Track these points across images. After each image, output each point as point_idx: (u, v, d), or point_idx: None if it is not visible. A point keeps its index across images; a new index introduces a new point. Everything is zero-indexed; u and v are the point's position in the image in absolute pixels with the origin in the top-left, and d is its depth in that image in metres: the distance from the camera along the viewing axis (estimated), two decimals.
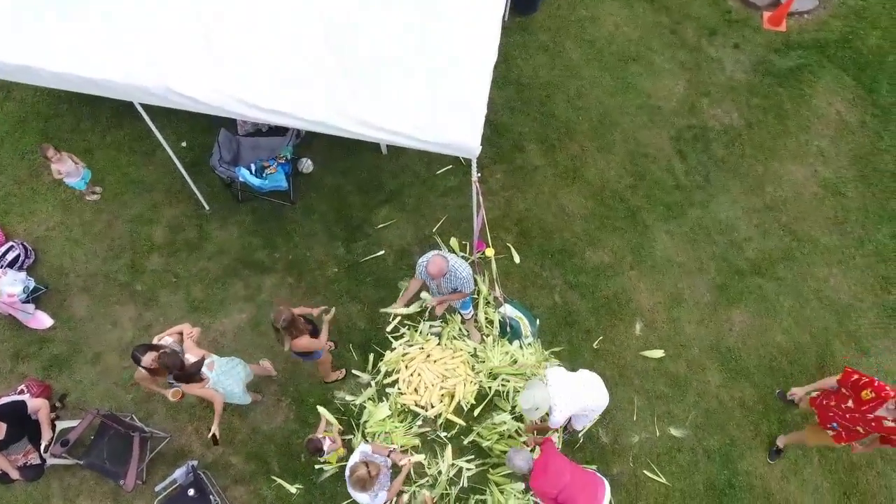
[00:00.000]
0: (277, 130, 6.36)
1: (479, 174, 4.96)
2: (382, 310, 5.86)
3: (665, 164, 6.91)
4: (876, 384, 4.24)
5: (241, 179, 5.92)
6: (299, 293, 6.11)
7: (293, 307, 4.66)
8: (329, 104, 4.52)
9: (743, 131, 7.14)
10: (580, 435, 5.54)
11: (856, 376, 4.39)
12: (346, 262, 6.26)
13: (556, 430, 5.12)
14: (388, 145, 6.61)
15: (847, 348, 6.12)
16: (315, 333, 4.87)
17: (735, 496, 5.51)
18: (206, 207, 6.44)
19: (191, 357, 4.53)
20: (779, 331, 6.16)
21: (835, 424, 4.59)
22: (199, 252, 6.35)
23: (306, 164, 6.56)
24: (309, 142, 6.67)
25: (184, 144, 6.78)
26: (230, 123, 6.25)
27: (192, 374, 4.42)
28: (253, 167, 5.99)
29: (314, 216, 6.45)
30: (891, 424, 4.11)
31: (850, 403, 4.40)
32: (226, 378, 4.69)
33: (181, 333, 4.71)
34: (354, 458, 4.39)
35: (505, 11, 7.15)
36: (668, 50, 7.54)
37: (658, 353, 5.95)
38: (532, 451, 5.11)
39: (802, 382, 5.78)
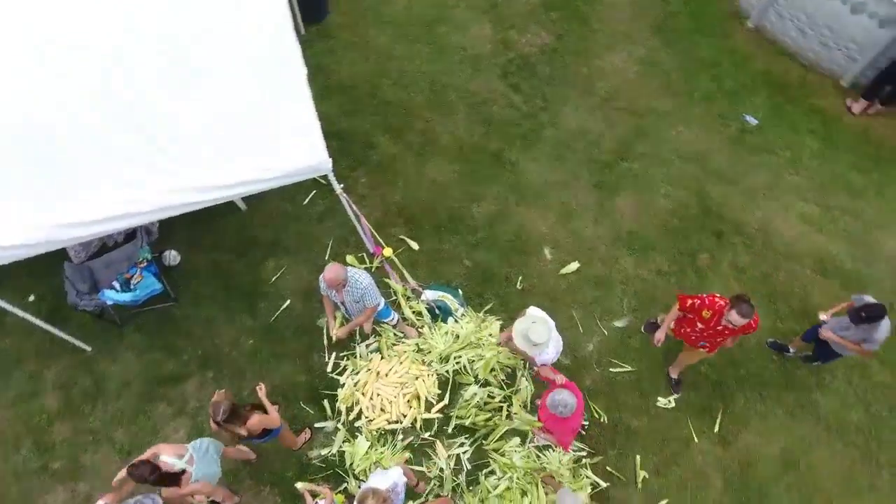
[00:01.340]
0: (126, 237, 5.91)
1: (342, 185, 4.92)
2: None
3: (505, 102, 7.21)
4: (707, 301, 4.71)
5: (110, 303, 5.47)
6: (226, 382, 5.77)
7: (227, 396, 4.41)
8: (162, 186, 4.27)
9: (556, 45, 7.60)
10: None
11: (689, 301, 4.83)
12: (258, 329, 6.00)
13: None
14: (244, 199, 6.37)
15: (717, 185, 6.78)
16: (262, 410, 4.63)
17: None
18: (88, 349, 5.87)
19: (167, 458, 4.18)
20: (660, 197, 6.70)
21: (703, 343, 5.06)
22: (104, 396, 5.77)
23: (172, 256, 6.17)
24: (164, 233, 6.27)
25: (31, 298, 6.12)
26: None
27: (171, 475, 4.10)
28: (117, 284, 5.55)
29: (204, 302, 6.10)
30: (737, 325, 4.47)
31: (699, 325, 4.85)
32: (205, 466, 4.37)
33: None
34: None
35: (298, 25, 7.12)
36: (462, 1, 7.81)
37: (574, 266, 6.26)
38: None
39: (697, 230, 6.37)
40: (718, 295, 4.79)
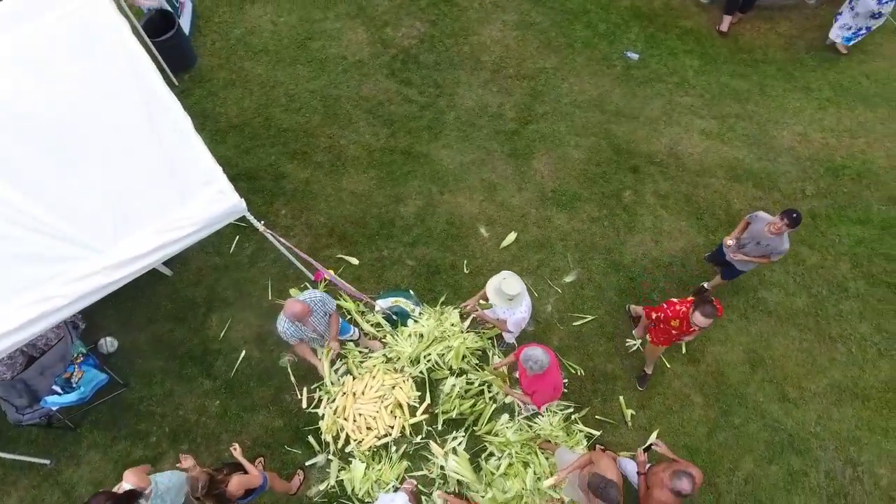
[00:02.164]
0: (54, 337, 5.54)
1: (263, 222, 4.79)
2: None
3: (400, 99, 7.22)
4: (671, 312, 4.84)
5: (55, 409, 5.13)
6: (203, 450, 5.55)
7: (202, 466, 4.25)
8: (72, 275, 4.02)
9: (433, 31, 7.67)
10: (514, 342, 5.83)
11: (654, 314, 5.02)
12: (220, 388, 5.78)
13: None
14: (167, 265, 6.11)
15: (620, 124, 7.08)
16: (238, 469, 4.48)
17: (638, 278, 6.31)
18: (47, 462, 5.49)
19: (126, 485, 3.97)
20: (572, 149, 6.91)
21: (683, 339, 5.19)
22: None
23: (108, 343, 5.84)
24: (92, 321, 5.92)
25: None
26: None
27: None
28: (58, 388, 5.21)
29: (156, 378, 5.82)
30: (704, 326, 4.57)
31: (673, 332, 4.95)
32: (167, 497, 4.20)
33: None
34: None
35: (170, 78, 6.88)
36: (329, 11, 7.75)
37: (512, 237, 6.38)
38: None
39: (614, 170, 6.65)
40: (677, 300, 4.89)
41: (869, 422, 5.81)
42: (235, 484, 4.19)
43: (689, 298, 4.85)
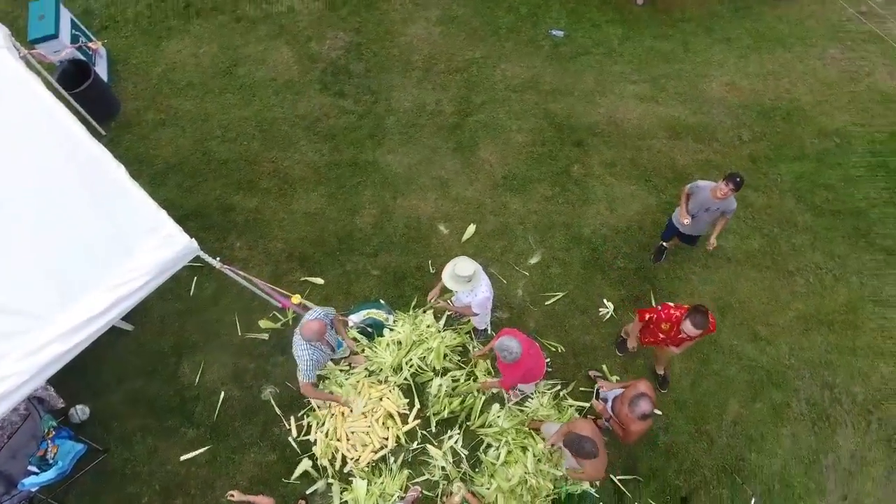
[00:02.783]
0: (20, 418, 5.28)
1: (219, 258, 4.68)
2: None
3: (337, 111, 7.16)
4: (664, 315, 4.79)
5: (35, 489, 4.91)
6: (199, 502, 5.41)
7: None
8: (24, 350, 3.85)
9: (358, 39, 7.65)
10: (489, 331, 5.87)
11: (647, 315, 4.96)
12: (205, 434, 5.61)
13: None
14: (126, 320, 5.91)
15: (557, 102, 7.19)
16: None
17: (600, 247, 6.43)
18: None
19: None
20: (515, 134, 7.00)
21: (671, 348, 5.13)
22: None
23: (80, 412, 5.61)
24: (59, 392, 5.67)
25: None
26: None
27: None
28: (34, 468, 4.97)
29: (136, 437, 5.61)
30: (693, 335, 4.60)
31: (661, 335, 4.98)
32: None
33: None
34: None
35: (95, 128, 6.65)
36: (249, 35, 7.63)
37: (472, 229, 6.42)
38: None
39: (559, 147, 6.76)
40: (673, 305, 4.86)
41: (837, 345, 6.08)
42: None
43: (686, 306, 4.76)
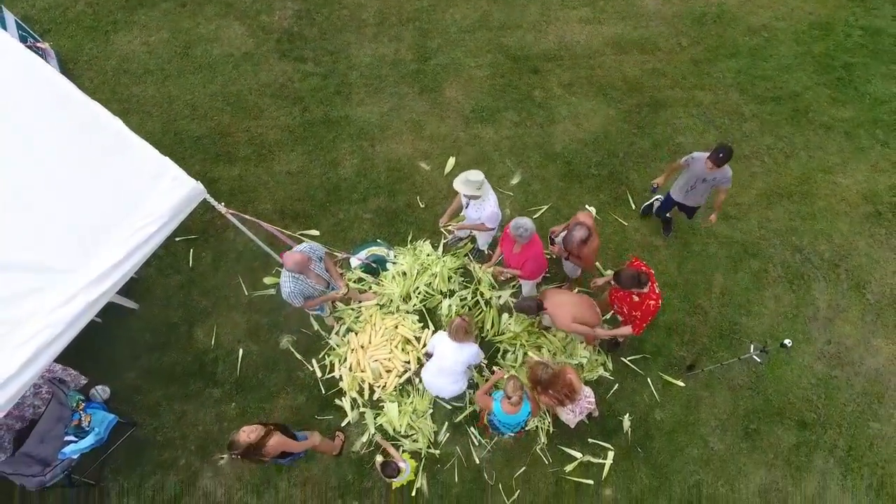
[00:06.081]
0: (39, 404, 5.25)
1: (223, 203, 4.78)
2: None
3: (300, 75, 7.29)
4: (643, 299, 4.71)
5: (76, 457, 4.91)
6: (237, 464, 5.49)
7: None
8: (55, 301, 3.90)
9: (306, 6, 7.83)
10: (486, 251, 6.13)
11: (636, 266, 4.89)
12: (231, 392, 5.68)
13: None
14: (131, 298, 5.94)
15: (509, 35, 7.55)
16: (286, 432, 4.49)
17: (573, 160, 6.76)
18: None
19: None
20: (475, 70, 7.35)
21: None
22: None
23: (101, 391, 5.59)
24: (81, 371, 5.64)
25: None
26: None
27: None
28: (72, 436, 4.98)
29: (163, 406, 5.65)
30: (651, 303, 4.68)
31: (626, 308, 4.95)
32: None
33: None
34: None
35: None
36: (198, 17, 7.68)
37: (452, 161, 6.77)
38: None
39: (518, 76, 7.10)
40: (655, 296, 4.73)
41: (798, 212, 6.64)
42: (273, 445, 4.20)
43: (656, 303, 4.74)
